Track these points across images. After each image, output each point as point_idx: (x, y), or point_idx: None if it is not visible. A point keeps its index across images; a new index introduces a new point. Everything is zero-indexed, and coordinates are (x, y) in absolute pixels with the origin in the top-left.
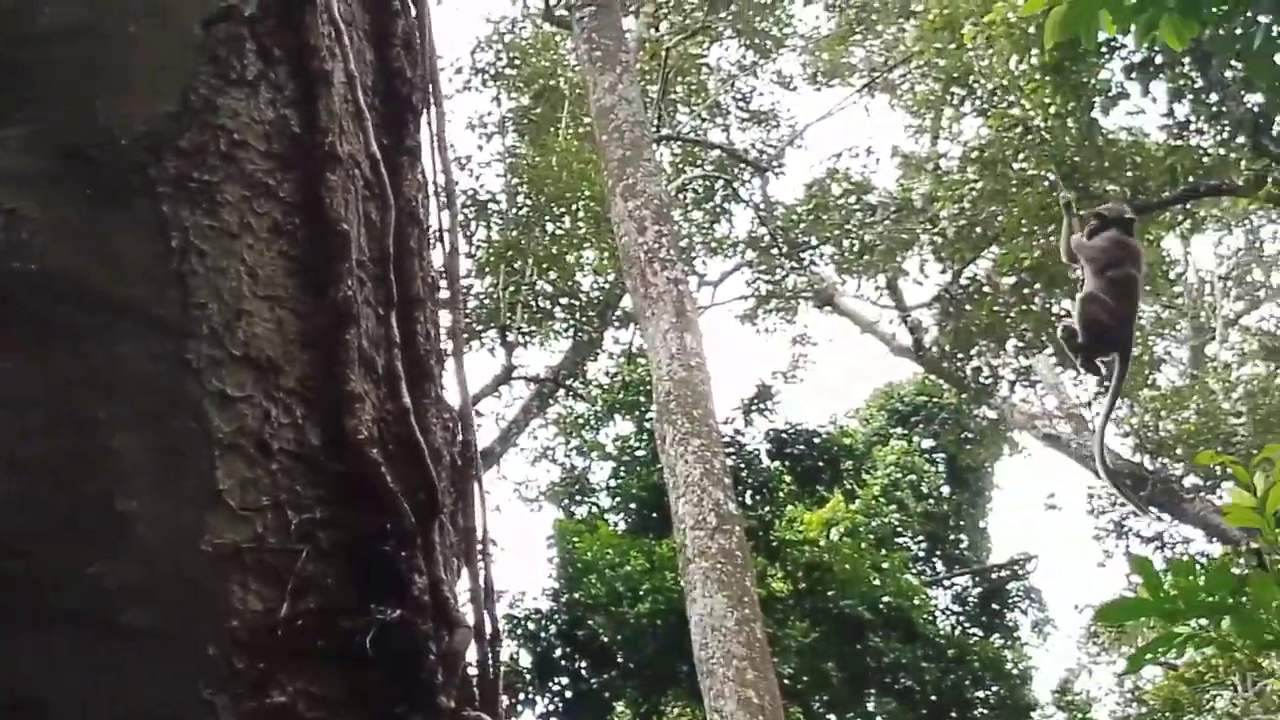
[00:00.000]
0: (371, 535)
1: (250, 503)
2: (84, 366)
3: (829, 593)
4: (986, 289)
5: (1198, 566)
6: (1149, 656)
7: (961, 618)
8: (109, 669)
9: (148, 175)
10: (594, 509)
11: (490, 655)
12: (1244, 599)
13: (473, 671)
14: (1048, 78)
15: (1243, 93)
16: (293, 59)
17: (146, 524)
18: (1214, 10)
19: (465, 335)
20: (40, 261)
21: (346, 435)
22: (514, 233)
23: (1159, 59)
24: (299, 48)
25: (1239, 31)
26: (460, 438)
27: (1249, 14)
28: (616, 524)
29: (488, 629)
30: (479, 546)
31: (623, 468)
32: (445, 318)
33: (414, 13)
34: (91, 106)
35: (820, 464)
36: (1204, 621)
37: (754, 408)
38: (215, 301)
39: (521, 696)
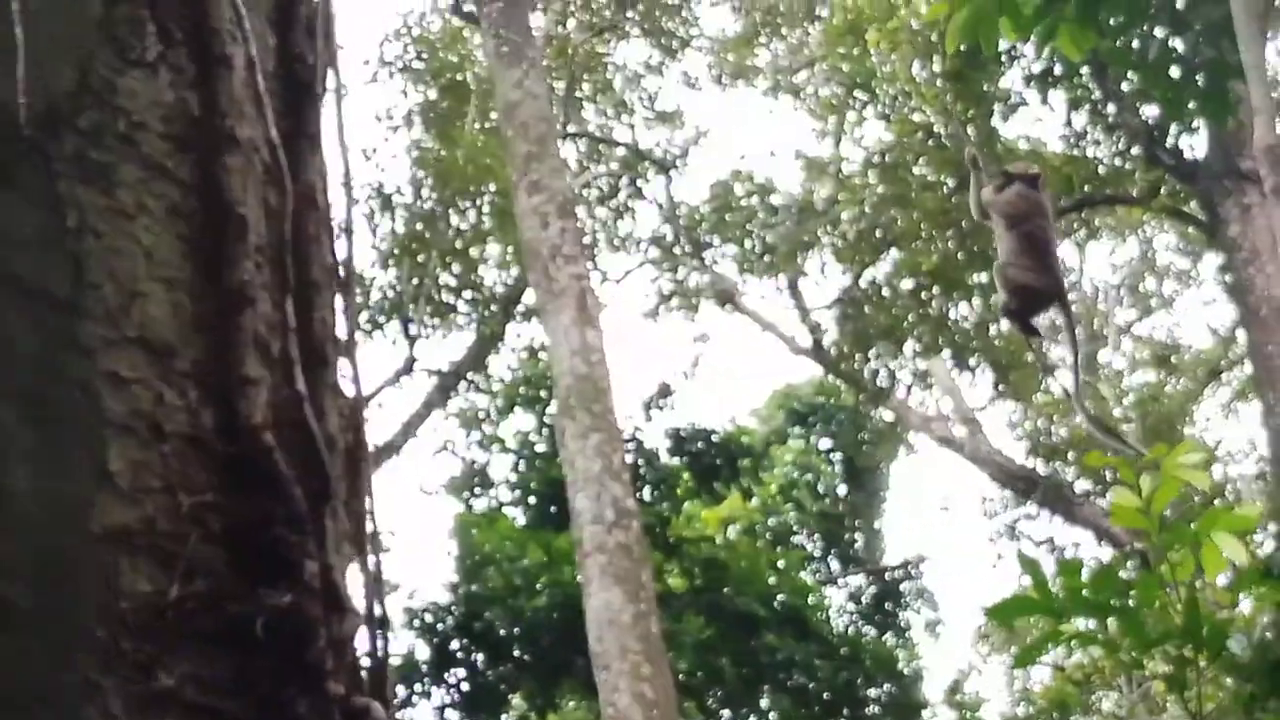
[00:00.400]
0: (263, 520)
1: (141, 484)
2: None
3: (725, 590)
4: (886, 292)
5: (1084, 567)
6: (1035, 653)
7: (855, 617)
8: None
9: (45, 152)
10: (494, 503)
11: (380, 642)
12: (1129, 600)
13: (364, 659)
14: (949, 84)
15: (1138, 104)
16: (193, 41)
17: (32, 500)
18: (1111, 22)
19: (368, 326)
20: None
21: (240, 419)
22: (418, 226)
23: (1058, 69)
24: (200, 30)
25: (1135, 44)
26: (354, 426)
27: (1145, 27)
28: (516, 518)
29: (378, 615)
30: (370, 535)
31: (523, 462)
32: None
33: None
34: None
35: (719, 462)
36: (1091, 622)
37: (654, 405)
38: (110, 282)
39: (418, 688)
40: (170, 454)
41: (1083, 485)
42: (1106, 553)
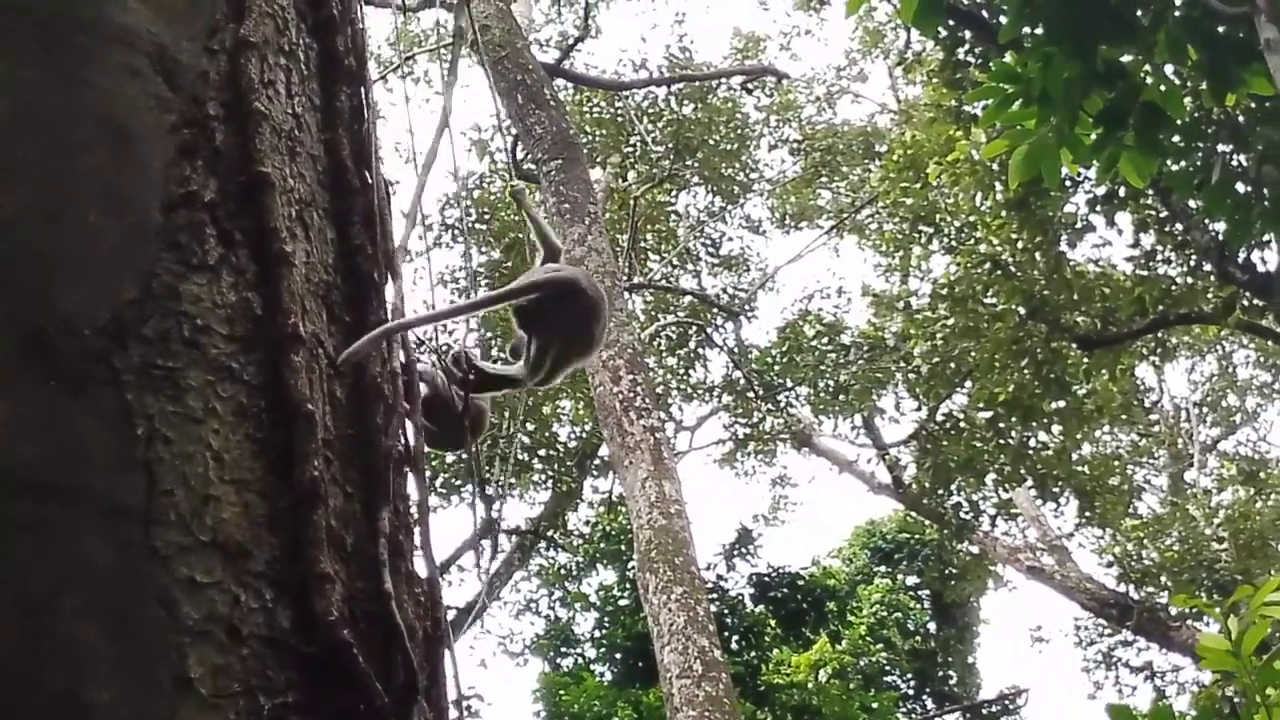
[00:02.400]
0: (346, 717)
1: (221, 689)
2: (46, 559)
3: None
4: (963, 424)
5: (1175, 712)
6: None
7: None
8: None
9: (111, 363)
10: (579, 660)
11: None
12: None
13: None
14: (1013, 213)
15: (1206, 221)
16: (253, 241)
17: (114, 715)
18: (1172, 145)
19: (444, 490)
20: (2, 455)
21: (317, 617)
22: None
23: (1122, 192)
24: (259, 230)
25: (1198, 163)
26: (431, 611)
27: (1207, 145)
28: (603, 675)
29: None
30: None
31: (607, 618)
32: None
33: (373, 189)
34: (51, 295)
35: (804, 605)
36: None
37: (736, 552)
38: (182, 488)
39: None
40: (249, 656)
41: (1178, 609)
42: (1206, 676)
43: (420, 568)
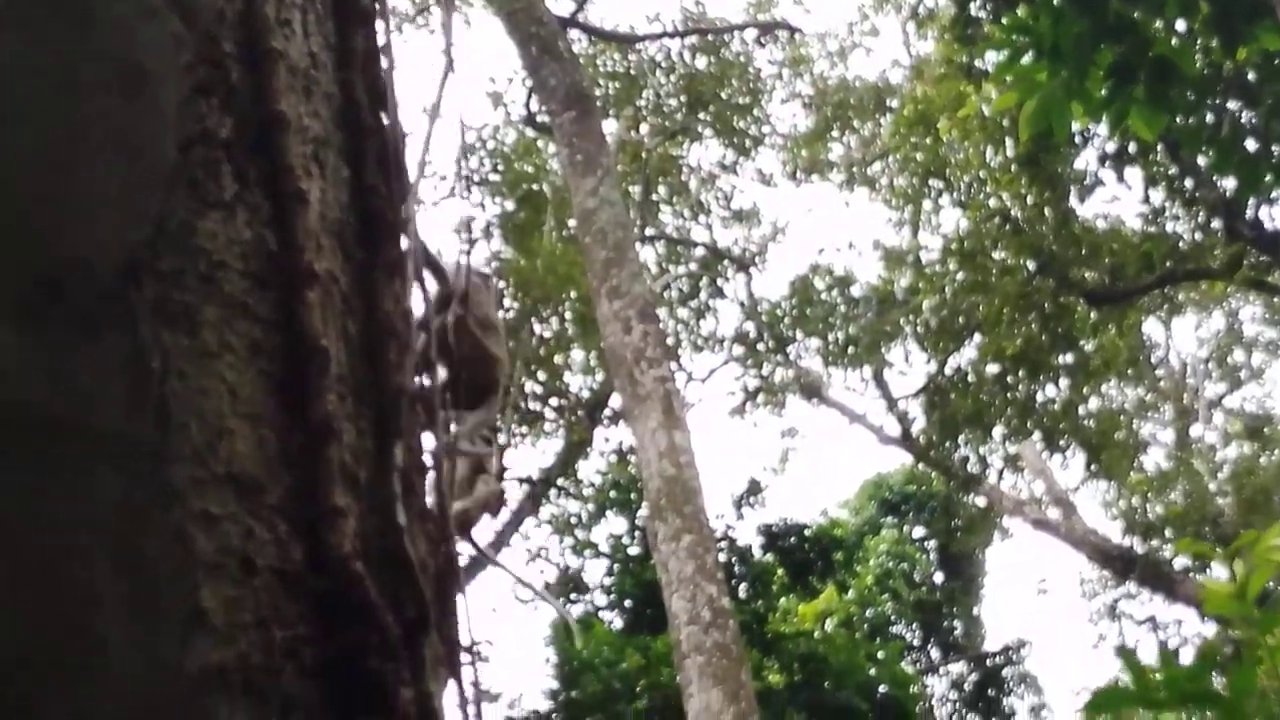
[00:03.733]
0: (357, 650)
1: (234, 621)
2: (58, 498)
3: (825, 684)
4: (971, 378)
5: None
6: None
7: (959, 705)
8: None
9: (126, 300)
10: (590, 608)
11: None
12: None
13: None
14: (1023, 169)
15: (1215, 178)
16: (268, 179)
17: (128, 646)
18: (1182, 100)
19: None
20: (12, 394)
21: (329, 550)
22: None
23: (1132, 148)
24: (275, 168)
25: (1208, 120)
26: (442, 547)
27: (1217, 102)
28: (612, 622)
29: None
30: (464, 656)
31: (616, 565)
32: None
33: (388, 129)
34: (64, 234)
35: (812, 556)
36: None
37: (745, 502)
38: (196, 422)
39: None
40: (261, 589)
41: (1182, 562)
42: (1210, 629)
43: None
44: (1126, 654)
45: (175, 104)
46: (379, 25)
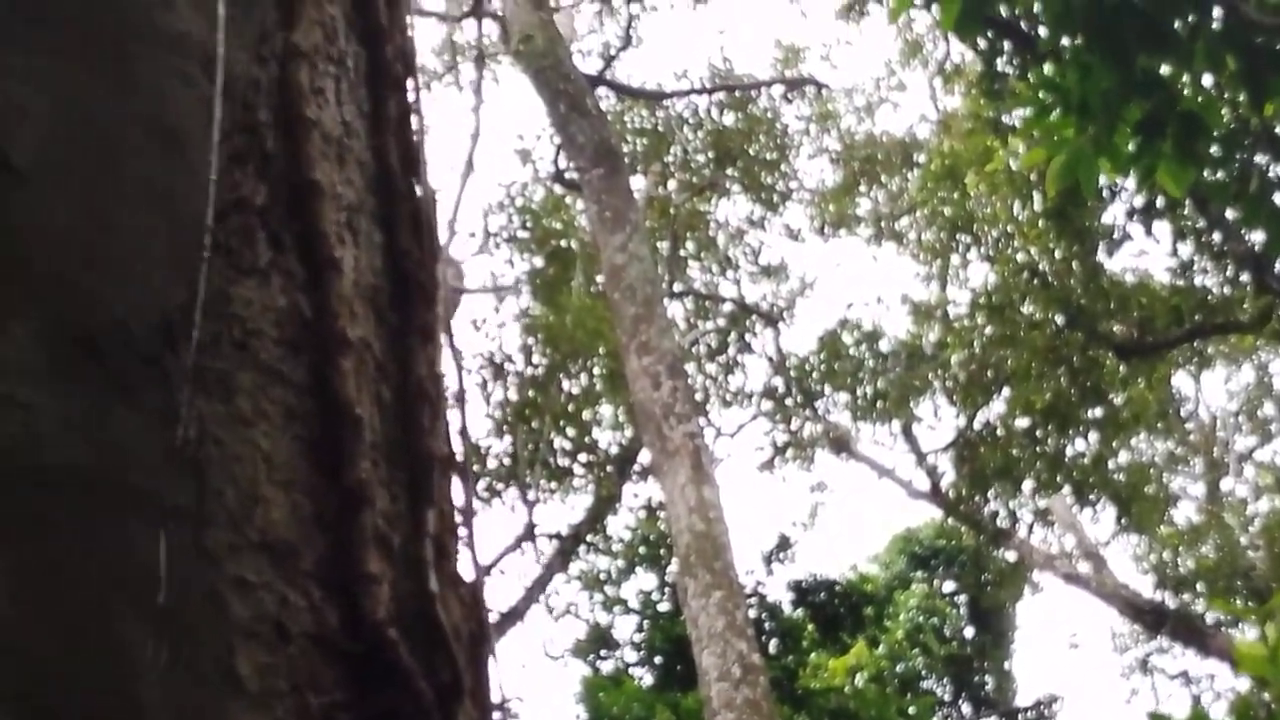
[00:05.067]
0: (391, 716)
1: (270, 688)
2: (95, 560)
3: None
4: (1000, 432)
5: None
6: None
7: None
8: None
9: (162, 365)
10: (620, 664)
11: None
12: None
13: None
14: (1051, 223)
15: (1244, 232)
16: (302, 246)
17: (165, 711)
18: (1210, 154)
19: (486, 494)
20: (51, 456)
21: (364, 616)
22: (530, 392)
23: (1160, 202)
24: (309, 235)
25: (1236, 173)
26: (475, 611)
27: (1244, 154)
28: (642, 678)
29: None
30: (495, 716)
31: (646, 621)
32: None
33: (419, 194)
34: (101, 296)
35: (842, 611)
36: None
37: (774, 557)
38: (232, 488)
39: None
40: (297, 655)
41: (1214, 616)
42: (1244, 683)
43: (464, 569)
44: (1159, 718)
45: (211, 170)
46: (410, 89)
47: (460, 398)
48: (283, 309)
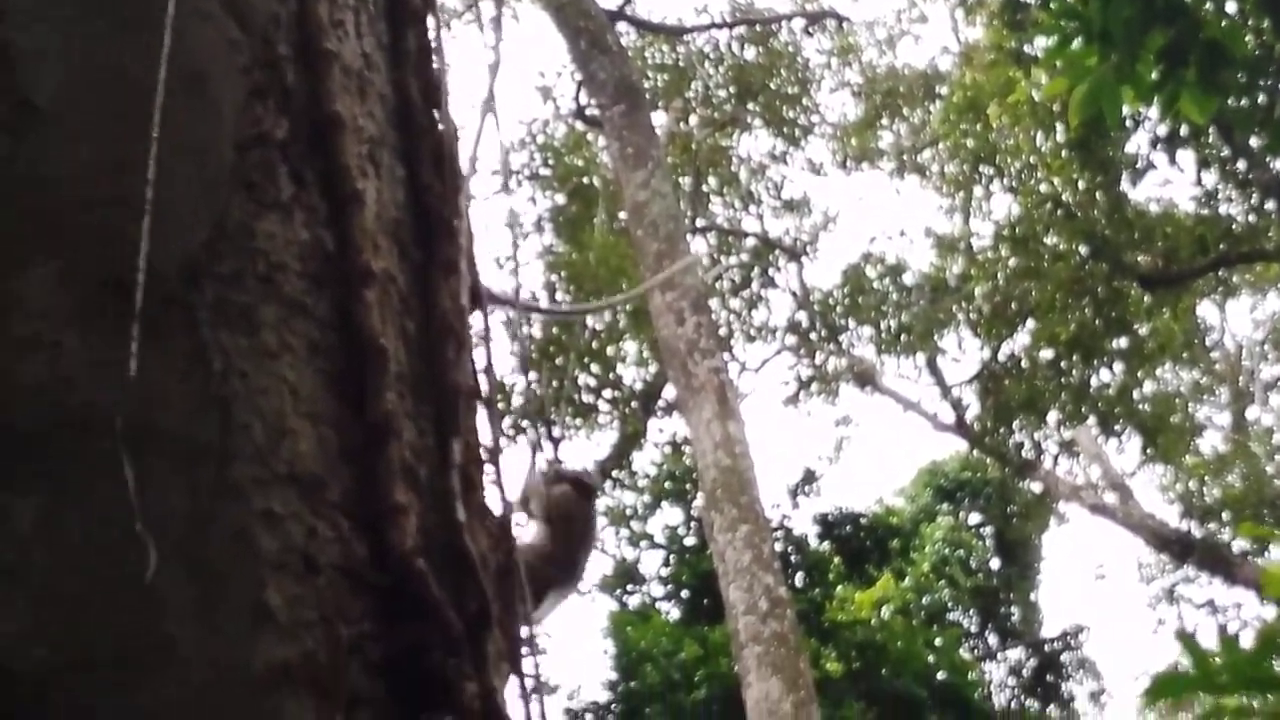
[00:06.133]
0: (421, 646)
1: (299, 619)
2: (125, 499)
3: (883, 672)
4: (1025, 363)
5: (1246, 635)
6: None
7: (1017, 691)
8: None
9: (187, 303)
10: (647, 599)
11: None
12: None
13: None
14: (1074, 154)
15: (1268, 159)
16: (325, 180)
17: (195, 647)
18: (1233, 82)
19: (511, 432)
20: (78, 397)
21: (391, 547)
22: (555, 329)
23: (1184, 130)
24: (331, 169)
25: (1260, 101)
26: (502, 542)
27: (1268, 83)
28: (669, 613)
29: None
30: (525, 650)
31: (673, 556)
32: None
33: (441, 128)
34: (126, 237)
35: (868, 544)
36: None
37: (800, 491)
38: (258, 422)
39: None
40: (325, 586)
41: (1241, 545)
42: (1270, 611)
43: (492, 501)
44: (1186, 638)
45: (232, 107)
46: (430, 24)
47: (485, 333)
48: (305, 243)
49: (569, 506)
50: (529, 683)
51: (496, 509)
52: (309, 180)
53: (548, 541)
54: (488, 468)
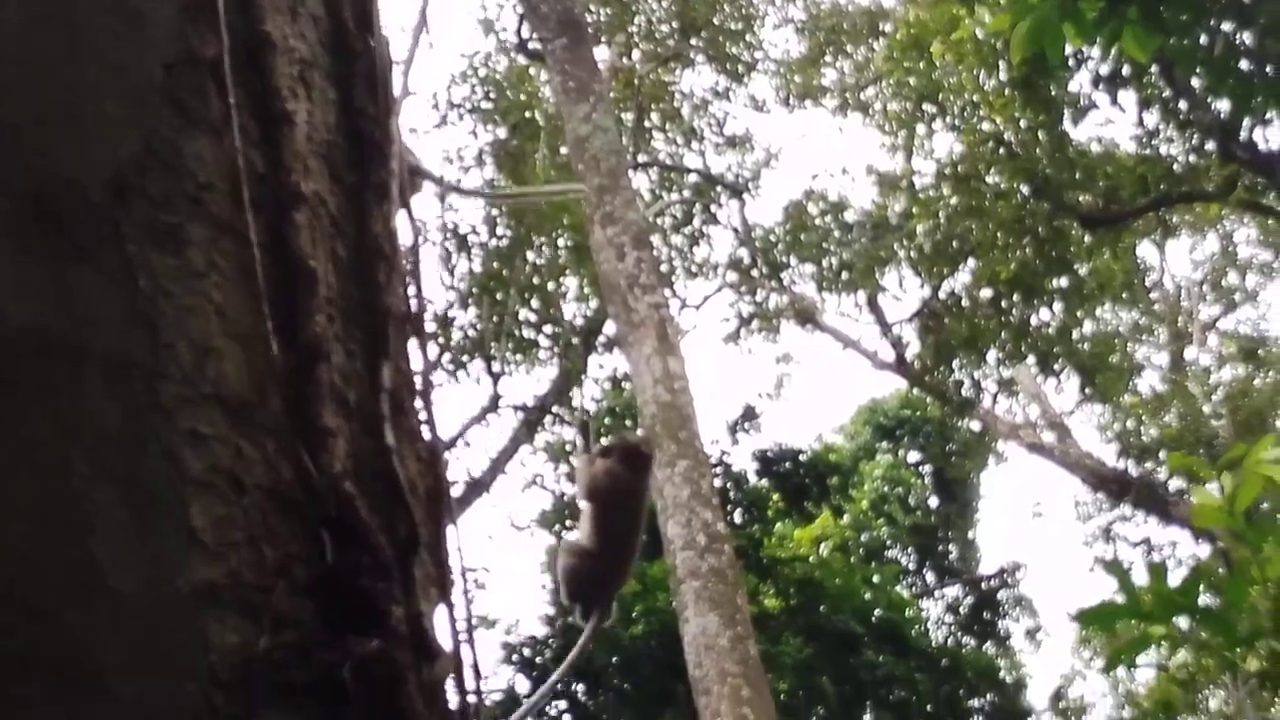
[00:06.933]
0: (349, 569)
1: (225, 539)
2: (54, 420)
3: (821, 608)
4: (965, 302)
5: (1176, 568)
6: (1124, 657)
7: (954, 628)
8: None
9: (114, 220)
10: None
11: (471, 684)
12: (1216, 599)
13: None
14: (1017, 92)
15: (1210, 100)
16: (255, 100)
17: (122, 567)
18: (1176, 21)
19: (451, 366)
20: (8, 319)
21: (319, 470)
22: (495, 264)
23: (1126, 70)
24: (262, 89)
25: (1202, 40)
26: (433, 468)
27: (1210, 23)
28: None
29: (469, 659)
30: (455, 577)
31: None
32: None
33: (375, 51)
34: (52, 155)
35: (808, 481)
36: (1184, 623)
37: (740, 428)
38: (184, 341)
39: None
40: (252, 507)
41: (1177, 484)
42: (1204, 550)
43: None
44: (1117, 568)
45: (161, 24)
46: None
47: (415, 255)
48: (235, 163)
49: (614, 484)
50: (460, 611)
51: (427, 434)
52: (240, 100)
53: (591, 533)
54: (418, 392)
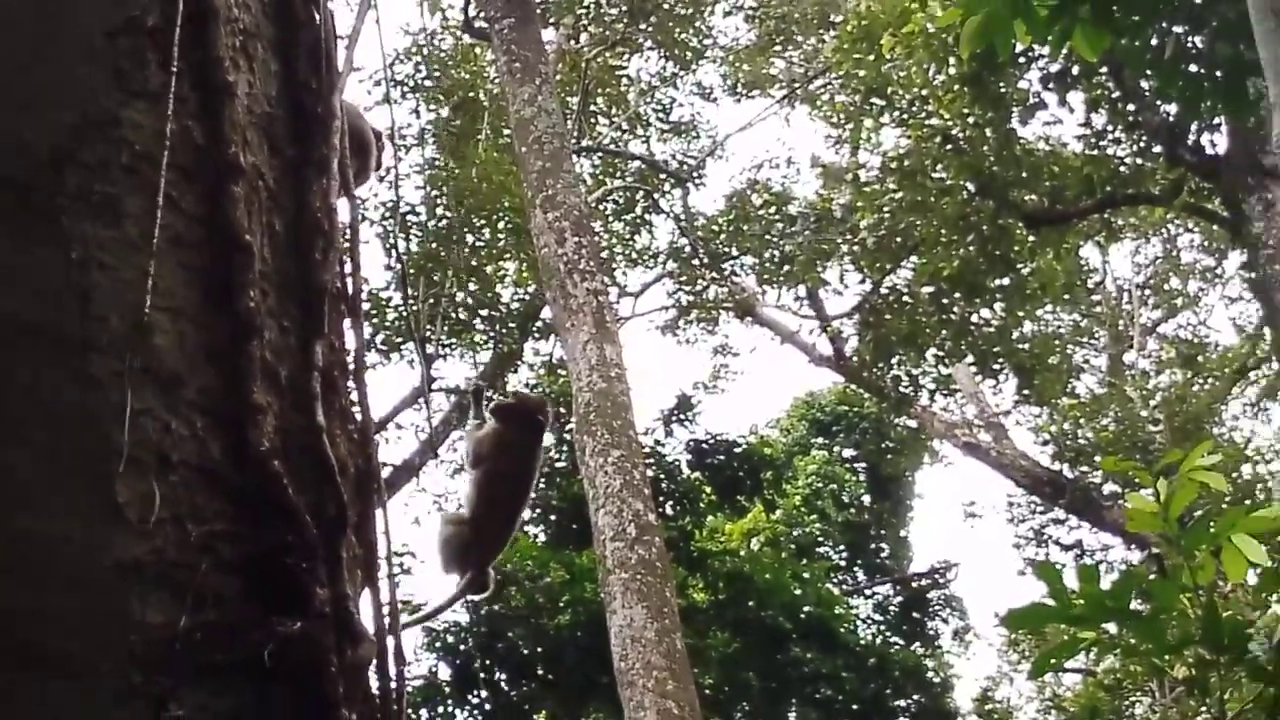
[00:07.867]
0: (273, 548)
1: (149, 516)
2: None
3: (750, 603)
4: (906, 298)
5: (1107, 572)
6: (1053, 661)
7: (883, 626)
8: (7, 693)
9: (48, 190)
10: None
11: (394, 668)
12: (1146, 604)
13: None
14: (966, 88)
15: (1158, 103)
16: (196, 71)
17: (47, 541)
18: (1127, 21)
19: (385, 347)
20: None
21: (248, 448)
22: (433, 244)
23: (1075, 70)
24: (203, 60)
25: (1153, 42)
26: (363, 448)
27: (1162, 24)
28: (536, 536)
29: (391, 643)
30: (382, 560)
31: (543, 479)
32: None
33: (319, 24)
34: None
35: (741, 474)
36: (1113, 628)
37: (674, 418)
38: (116, 314)
39: (441, 710)
40: (178, 484)
41: (1111, 488)
42: (1135, 556)
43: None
44: (1048, 569)
45: None
46: None
47: (353, 233)
48: (174, 134)
49: (499, 451)
50: (385, 594)
51: (359, 414)
52: (180, 70)
53: (473, 500)
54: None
